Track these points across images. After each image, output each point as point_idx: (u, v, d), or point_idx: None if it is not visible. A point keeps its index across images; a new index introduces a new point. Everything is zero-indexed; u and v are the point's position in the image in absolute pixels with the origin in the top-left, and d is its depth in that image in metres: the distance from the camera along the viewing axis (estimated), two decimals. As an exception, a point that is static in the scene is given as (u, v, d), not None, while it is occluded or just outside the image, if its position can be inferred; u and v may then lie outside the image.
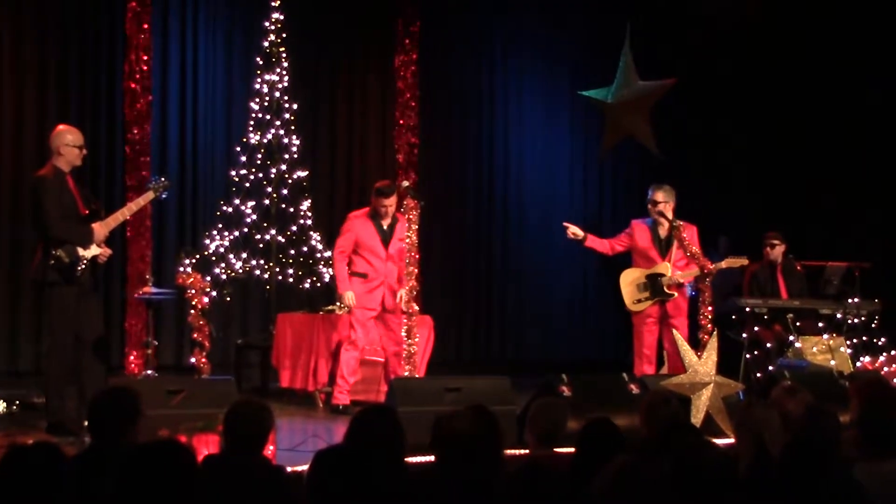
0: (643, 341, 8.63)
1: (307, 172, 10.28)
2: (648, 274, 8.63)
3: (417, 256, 7.63)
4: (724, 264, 8.82)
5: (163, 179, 7.44)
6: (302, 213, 10.18)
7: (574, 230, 8.77)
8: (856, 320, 9.35)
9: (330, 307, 9.45)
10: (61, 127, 7.11)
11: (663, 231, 8.68)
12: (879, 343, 9.30)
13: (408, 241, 7.80)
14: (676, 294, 8.59)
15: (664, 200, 8.66)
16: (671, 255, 8.63)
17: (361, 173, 11.68)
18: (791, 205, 12.00)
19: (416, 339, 7.67)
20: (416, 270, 7.58)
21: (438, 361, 9.86)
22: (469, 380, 7.22)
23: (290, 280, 10.12)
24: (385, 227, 8.28)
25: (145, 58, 10.13)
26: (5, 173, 9.89)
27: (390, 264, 8.27)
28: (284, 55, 10.26)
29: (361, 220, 8.30)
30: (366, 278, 8.23)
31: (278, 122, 10.16)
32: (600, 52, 11.85)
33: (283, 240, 10.10)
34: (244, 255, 9.93)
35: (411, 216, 7.81)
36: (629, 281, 8.71)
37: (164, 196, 7.51)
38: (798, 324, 9.30)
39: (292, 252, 10.13)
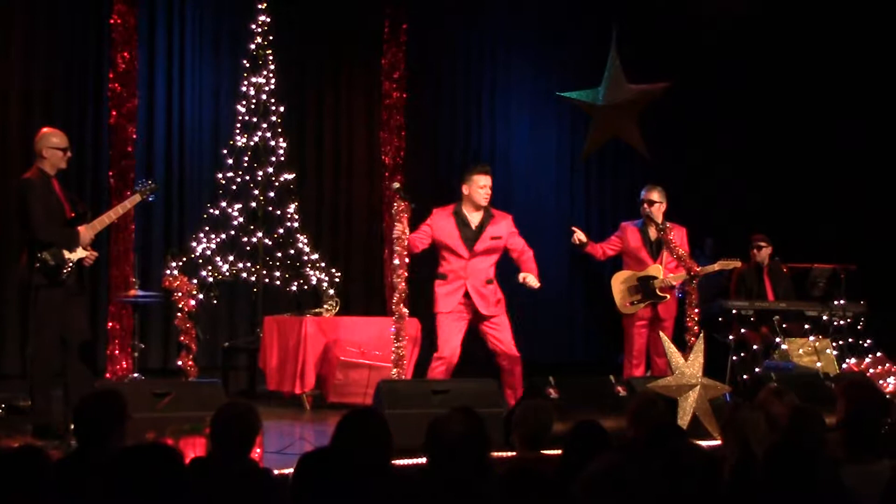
0: (633, 344, 8.60)
1: (294, 175, 10.28)
2: (640, 276, 8.60)
3: (407, 259, 7.56)
4: (717, 266, 8.81)
5: (150, 182, 7.40)
6: (289, 215, 10.18)
7: (580, 236, 8.63)
8: (842, 322, 9.38)
9: (317, 309, 9.45)
10: (45, 130, 7.07)
11: (653, 233, 8.66)
12: (865, 345, 9.34)
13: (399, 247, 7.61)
14: (668, 296, 8.59)
15: (659, 201, 8.62)
16: (662, 258, 8.62)
17: (348, 175, 11.67)
18: (777, 206, 12.03)
19: (405, 342, 7.63)
20: (405, 273, 7.52)
21: (426, 364, 9.85)
22: (456, 382, 7.21)
23: (277, 283, 10.11)
24: (473, 223, 7.74)
25: (131, 59, 10.10)
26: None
27: (476, 262, 7.75)
28: (271, 58, 10.26)
29: (443, 215, 7.78)
30: (446, 279, 7.77)
31: (265, 125, 10.16)
32: (587, 54, 11.89)
33: (269, 242, 10.09)
34: (231, 258, 9.92)
35: (402, 218, 7.64)
36: (620, 283, 8.67)
37: (151, 199, 7.48)
38: (784, 326, 9.33)
39: (279, 255, 10.13)
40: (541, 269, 12.60)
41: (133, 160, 10.13)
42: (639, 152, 10.91)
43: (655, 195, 8.64)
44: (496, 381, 7.12)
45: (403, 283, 7.47)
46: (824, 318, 9.41)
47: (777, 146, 12.38)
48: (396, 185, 7.81)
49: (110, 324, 9.95)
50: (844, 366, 8.98)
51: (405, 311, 7.53)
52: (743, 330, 9.39)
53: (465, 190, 7.82)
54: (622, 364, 8.77)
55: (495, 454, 4.91)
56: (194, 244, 9.84)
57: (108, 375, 9.66)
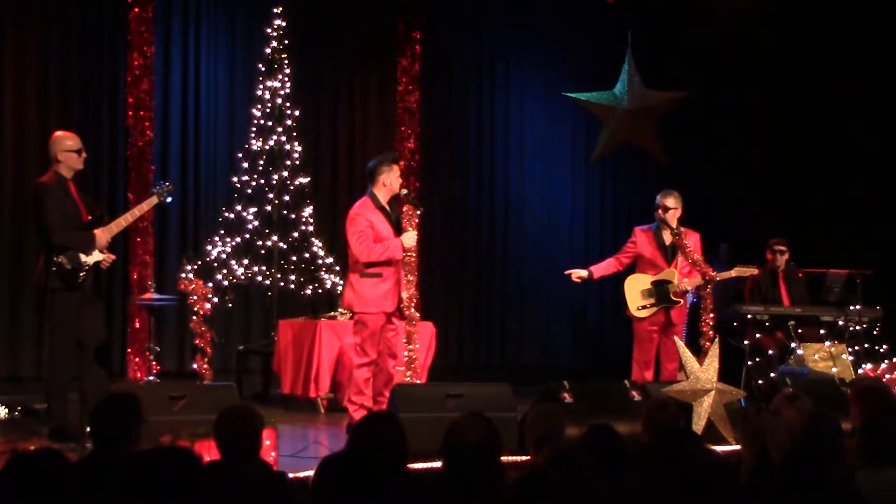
0: (643, 348, 8.55)
1: (309, 179, 10.30)
2: (655, 280, 8.53)
3: (418, 263, 7.55)
4: (733, 273, 8.78)
5: (167, 184, 7.39)
6: (303, 219, 10.20)
7: (578, 273, 8.65)
8: (857, 327, 9.35)
9: (331, 313, 9.45)
10: (58, 133, 7.09)
11: (668, 237, 8.61)
12: (881, 350, 9.31)
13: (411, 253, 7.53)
14: (681, 301, 8.56)
15: (675, 207, 8.54)
16: (677, 262, 8.58)
17: (363, 180, 11.66)
18: (792, 211, 12.00)
19: (417, 346, 7.62)
20: (415, 278, 7.50)
21: (440, 368, 9.87)
22: (471, 386, 7.21)
23: (292, 286, 10.13)
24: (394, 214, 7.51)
25: (147, 64, 10.13)
26: (7, 179, 9.88)
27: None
28: (286, 62, 10.28)
29: (370, 208, 7.41)
30: (381, 277, 7.40)
31: (280, 129, 10.18)
32: (601, 57, 11.89)
33: (284, 246, 10.11)
34: (246, 262, 9.94)
35: (413, 224, 7.58)
36: (634, 287, 8.60)
37: (168, 200, 7.46)
38: (800, 331, 9.30)
39: (294, 258, 10.14)
40: (554, 270, 12.69)
41: (149, 164, 10.14)
42: (655, 157, 10.90)
43: (671, 201, 8.58)
44: (510, 386, 7.11)
45: (415, 289, 7.46)
46: (840, 323, 9.38)
47: (792, 151, 12.34)
48: (405, 190, 7.65)
49: (127, 327, 9.97)
50: (860, 371, 8.96)
51: (417, 315, 7.53)
52: (758, 335, 9.36)
53: (385, 181, 7.47)
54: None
55: (509, 458, 4.91)
56: (209, 247, 9.86)
57: (124, 378, 9.68)
